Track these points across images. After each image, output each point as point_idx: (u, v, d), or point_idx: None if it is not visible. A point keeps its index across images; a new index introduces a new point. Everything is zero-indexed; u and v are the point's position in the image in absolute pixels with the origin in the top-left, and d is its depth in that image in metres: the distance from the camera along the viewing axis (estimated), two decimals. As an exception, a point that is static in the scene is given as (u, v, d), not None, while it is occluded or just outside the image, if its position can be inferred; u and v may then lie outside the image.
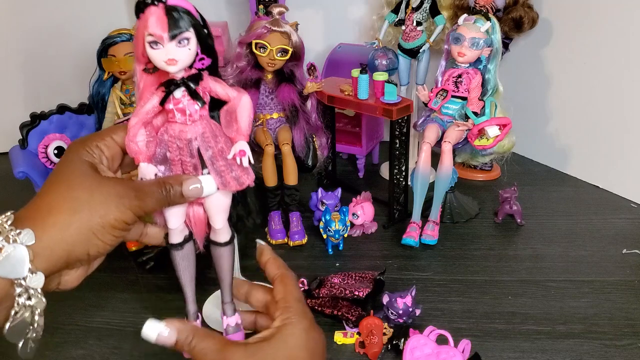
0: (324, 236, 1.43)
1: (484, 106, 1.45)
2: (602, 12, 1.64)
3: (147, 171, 0.67)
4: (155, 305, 1.27)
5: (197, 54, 0.65)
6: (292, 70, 1.47)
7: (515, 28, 1.68)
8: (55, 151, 1.51)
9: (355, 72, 1.51)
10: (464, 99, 1.47)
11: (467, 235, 1.53)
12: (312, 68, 1.49)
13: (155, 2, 0.61)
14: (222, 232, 0.74)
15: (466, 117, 1.46)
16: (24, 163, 1.44)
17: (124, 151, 0.69)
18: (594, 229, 1.54)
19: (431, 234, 1.46)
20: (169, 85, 0.65)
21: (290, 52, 1.41)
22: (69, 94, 1.69)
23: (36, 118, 1.51)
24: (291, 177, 1.47)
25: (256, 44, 1.40)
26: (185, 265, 0.75)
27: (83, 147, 0.66)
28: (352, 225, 1.51)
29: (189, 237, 0.75)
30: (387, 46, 1.69)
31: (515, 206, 1.55)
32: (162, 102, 0.65)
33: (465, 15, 1.46)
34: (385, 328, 1.16)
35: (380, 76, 1.49)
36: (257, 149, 1.50)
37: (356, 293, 1.20)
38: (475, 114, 1.44)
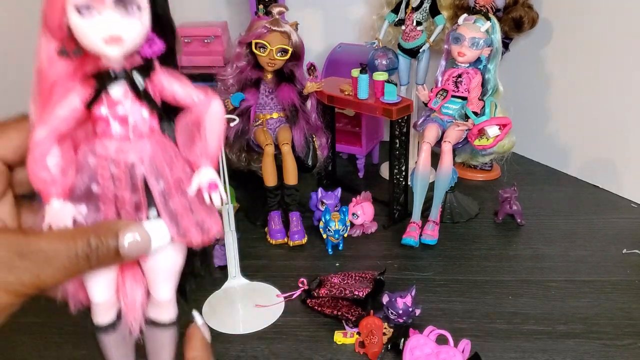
0: (324, 236, 1.43)
1: (484, 106, 1.45)
2: (602, 12, 1.64)
3: (62, 214, 0.42)
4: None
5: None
6: (292, 70, 1.47)
7: (515, 28, 1.68)
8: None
9: (355, 72, 1.51)
10: (464, 98, 1.47)
11: (467, 235, 1.52)
12: (312, 68, 1.49)
13: None
14: (167, 306, 0.48)
15: (466, 117, 1.46)
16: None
17: (11, 165, 0.44)
18: (594, 229, 1.54)
19: (431, 234, 1.46)
20: (102, 78, 0.42)
21: (290, 52, 1.41)
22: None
23: (36, 118, 1.51)
24: (291, 177, 1.47)
25: (256, 43, 1.40)
26: (120, 356, 0.49)
27: None
28: (352, 225, 1.51)
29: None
30: (387, 46, 1.69)
31: (515, 206, 1.55)
32: (90, 105, 0.42)
33: (465, 15, 1.46)
34: (385, 328, 1.16)
35: (380, 76, 1.49)
36: (257, 149, 1.50)
37: (356, 293, 1.20)
38: (475, 113, 1.44)
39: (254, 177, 1.60)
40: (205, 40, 1.83)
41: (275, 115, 1.49)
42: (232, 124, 1.30)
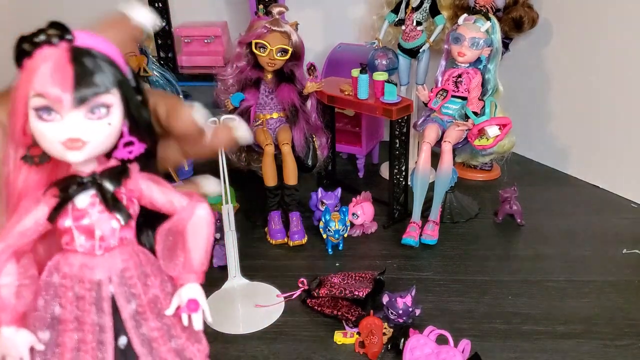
0: (324, 236, 1.43)
1: (484, 106, 1.45)
2: (602, 12, 1.64)
3: (16, 344, 0.36)
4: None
5: (121, 135, 0.38)
6: (292, 70, 1.47)
7: (515, 28, 1.68)
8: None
9: (355, 72, 1.51)
10: (464, 98, 1.47)
11: (467, 235, 1.52)
12: (312, 68, 1.49)
13: (53, 40, 0.35)
14: None
15: (466, 117, 1.46)
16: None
17: None
18: (594, 229, 1.53)
19: (431, 233, 1.46)
20: (66, 186, 0.37)
21: (290, 52, 1.41)
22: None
23: (36, 118, 1.51)
24: (291, 177, 1.47)
25: (256, 43, 1.40)
26: None
27: None
28: (352, 225, 1.51)
29: None
30: (387, 46, 1.69)
31: (515, 206, 1.55)
32: (53, 217, 0.37)
33: (465, 15, 1.46)
34: (385, 328, 1.16)
35: (380, 76, 1.49)
36: (257, 149, 1.50)
37: (356, 293, 1.20)
38: (475, 113, 1.44)
39: (254, 177, 1.60)
40: (205, 40, 1.83)
41: (275, 115, 1.49)
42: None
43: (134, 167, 0.39)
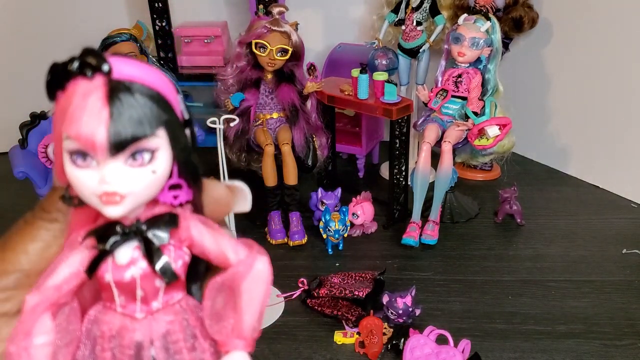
0: (324, 236, 1.43)
1: (484, 106, 1.45)
2: (602, 12, 1.64)
3: None
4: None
5: (170, 175, 0.32)
6: (292, 70, 1.47)
7: (515, 28, 1.68)
8: (55, 151, 1.51)
9: (355, 72, 1.51)
10: (464, 98, 1.47)
11: (467, 235, 1.52)
12: (312, 68, 1.49)
13: (87, 72, 0.29)
14: None
15: (466, 117, 1.46)
16: (23, 163, 1.44)
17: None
18: (594, 229, 1.54)
19: (431, 233, 1.46)
20: (105, 237, 0.32)
21: (290, 52, 1.41)
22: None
23: (36, 118, 1.51)
24: (291, 177, 1.47)
25: (256, 43, 1.40)
26: None
27: None
28: (352, 225, 1.51)
29: None
30: (387, 46, 1.69)
31: (515, 206, 1.55)
32: (91, 271, 0.32)
33: (465, 15, 1.46)
34: (385, 328, 1.16)
35: (380, 76, 1.49)
36: (257, 149, 1.50)
37: (356, 293, 1.20)
38: (475, 113, 1.44)
39: (254, 177, 1.60)
40: (205, 40, 1.83)
41: (275, 115, 1.49)
42: (232, 124, 1.30)
43: (185, 210, 0.33)
